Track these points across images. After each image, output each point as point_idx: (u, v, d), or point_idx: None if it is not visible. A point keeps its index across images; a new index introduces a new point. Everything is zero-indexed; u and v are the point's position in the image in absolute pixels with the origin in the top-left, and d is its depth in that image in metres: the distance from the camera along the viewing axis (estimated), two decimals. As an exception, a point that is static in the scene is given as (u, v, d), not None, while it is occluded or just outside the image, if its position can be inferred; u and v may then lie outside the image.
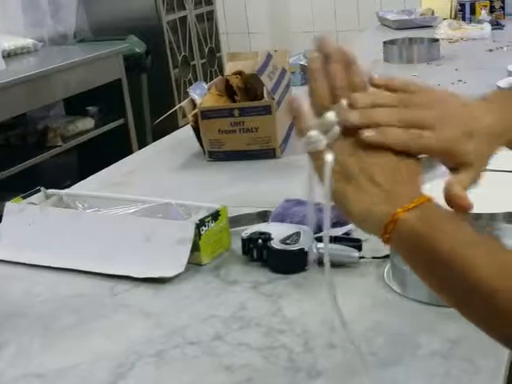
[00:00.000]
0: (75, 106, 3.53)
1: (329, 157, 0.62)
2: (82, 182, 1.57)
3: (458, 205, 0.63)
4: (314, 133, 0.63)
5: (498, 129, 0.67)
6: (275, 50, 1.82)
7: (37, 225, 1.20)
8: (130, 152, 2.02)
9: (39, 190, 1.28)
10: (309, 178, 0.65)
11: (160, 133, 1.98)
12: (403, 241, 0.60)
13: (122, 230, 1.14)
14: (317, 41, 0.66)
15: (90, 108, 3.53)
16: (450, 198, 0.63)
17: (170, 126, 2.07)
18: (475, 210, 1.09)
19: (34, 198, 1.27)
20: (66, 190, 1.34)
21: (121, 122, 3.56)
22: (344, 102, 0.63)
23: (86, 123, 3.45)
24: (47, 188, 1.31)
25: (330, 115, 0.63)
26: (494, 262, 0.58)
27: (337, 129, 0.63)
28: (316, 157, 0.63)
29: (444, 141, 0.64)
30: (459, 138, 0.64)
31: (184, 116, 1.67)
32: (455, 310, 0.61)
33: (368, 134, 0.62)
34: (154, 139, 1.98)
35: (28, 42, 3.50)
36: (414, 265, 0.62)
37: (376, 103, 0.64)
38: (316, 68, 0.65)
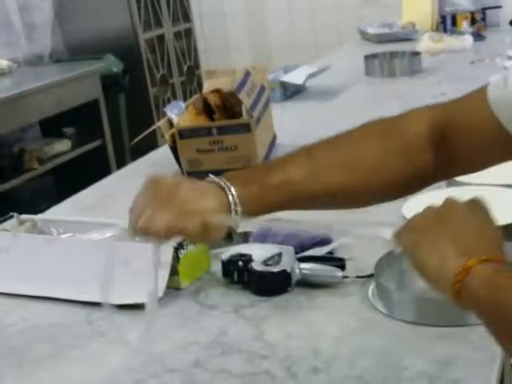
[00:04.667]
0: (51, 127, 3.49)
1: None
2: (58, 205, 1.53)
3: None
4: None
5: None
6: (254, 67, 1.80)
7: (10, 252, 1.17)
8: (108, 173, 1.98)
9: (12, 216, 1.25)
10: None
11: (139, 152, 1.95)
12: (475, 290, 0.60)
13: (97, 256, 1.11)
14: None
15: (66, 129, 3.49)
16: None
17: (149, 145, 2.04)
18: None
19: (6, 225, 1.23)
20: (40, 216, 1.31)
21: (98, 142, 3.52)
22: None
23: (63, 145, 3.40)
24: (24, 213, 1.28)
25: None
26: None
27: None
28: None
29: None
30: None
31: (163, 135, 1.64)
32: None
33: None
34: (133, 159, 1.95)
35: (2, 63, 3.46)
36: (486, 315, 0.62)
37: None
38: None
